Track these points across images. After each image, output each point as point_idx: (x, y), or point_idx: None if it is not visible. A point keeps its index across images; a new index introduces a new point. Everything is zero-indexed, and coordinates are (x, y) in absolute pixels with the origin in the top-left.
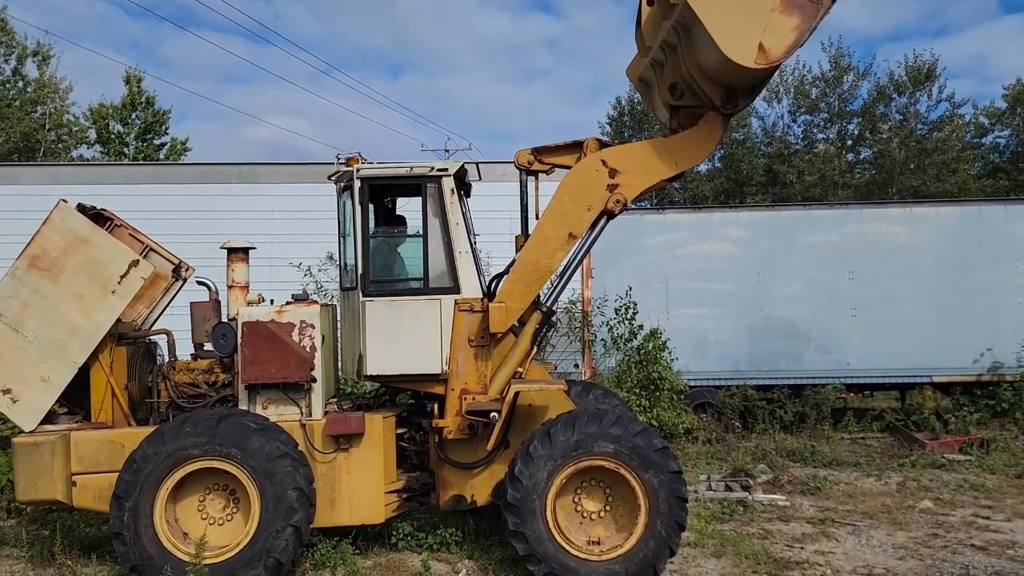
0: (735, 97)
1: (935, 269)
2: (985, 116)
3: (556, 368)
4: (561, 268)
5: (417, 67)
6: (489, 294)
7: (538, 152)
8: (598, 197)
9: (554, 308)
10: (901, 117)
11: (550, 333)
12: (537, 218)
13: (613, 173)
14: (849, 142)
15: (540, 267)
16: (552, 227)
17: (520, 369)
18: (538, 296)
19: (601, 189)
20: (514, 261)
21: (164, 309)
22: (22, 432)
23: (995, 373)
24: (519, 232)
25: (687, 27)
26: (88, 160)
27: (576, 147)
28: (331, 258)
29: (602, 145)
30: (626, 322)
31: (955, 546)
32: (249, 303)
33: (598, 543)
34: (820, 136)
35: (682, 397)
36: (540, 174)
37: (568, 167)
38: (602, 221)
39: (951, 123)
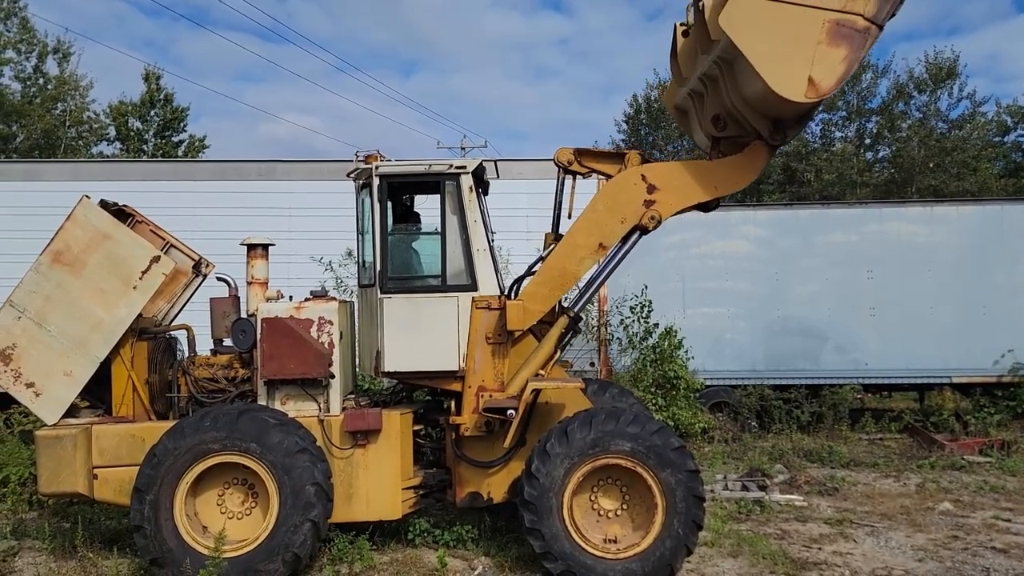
0: (783, 128)
1: (955, 269)
2: (1008, 114)
3: (572, 366)
4: (590, 276)
5: (428, 66)
6: (511, 294)
7: (580, 153)
8: (633, 211)
9: (581, 314)
10: (921, 115)
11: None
12: (570, 218)
13: (651, 189)
14: (868, 140)
15: (566, 273)
16: (583, 235)
17: (541, 371)
18: (563, 301)
19: (637, 203)
20: (538, 260)
21: (184, 305)
22: (45, 425)
23: (1016, 374)
24: (548, 230)
25: (729, 61)
26: (108, 157)
27: (618, 157)
28: (350, 254)
29: (644, 160)
30: (641, 320)
31: (975, 548)
32: (268, 299)
33: (615, 541)
34: (838, 134)
35: (698, 396)
36: (577, 176)
37: (606, 175)
38: (635, 236)
39: (972, 121)
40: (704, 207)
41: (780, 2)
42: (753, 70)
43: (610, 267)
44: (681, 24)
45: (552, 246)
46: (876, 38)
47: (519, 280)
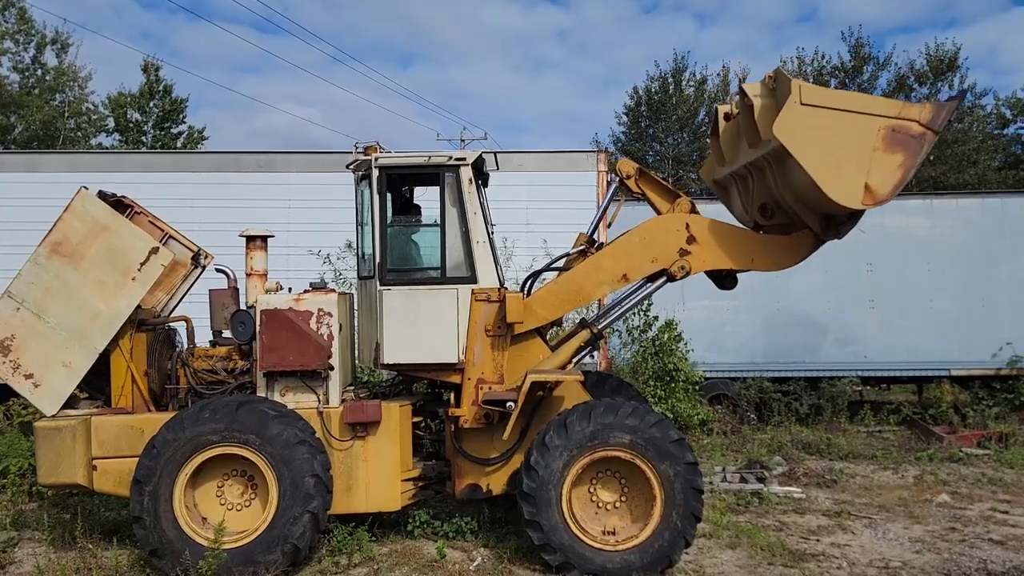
0: (835, 223)
1: (955, 261)
2: (1007, 107)
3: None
4: (615, 299)
5: (427, 58)
6: (527, 288)
7: (641, 173)
8: (666, 255)
9: (603, 332)
10: None
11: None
12: (608, 227)
13: (691, 240)
14: None
15: (582, 291)
16: (611, 260)
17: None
18: (586, 313)
19: (673, 249)
20: (562, 257)
21: (183, 296)
22: (44, 416)
23: (1015, 367)
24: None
25: (780, 158)
26: (107, 148)
27: (672, 195)
28: (350, 246)
29: (693, 209)
30: (641, 313)
31: (973, 540)
32: (267, 291)
33: (613, 533)
34: None
35: (697, 388)
36: (630, 192)
37: (653, 206)
38: (661, 280)
39: (971, 114)
40: (721, 281)
41: (835, 110)
42: (808, 175)
43: (634, 302)
44: (723, 106)
45: (579, 249)
46: (932, 144)
47: (536, 274)
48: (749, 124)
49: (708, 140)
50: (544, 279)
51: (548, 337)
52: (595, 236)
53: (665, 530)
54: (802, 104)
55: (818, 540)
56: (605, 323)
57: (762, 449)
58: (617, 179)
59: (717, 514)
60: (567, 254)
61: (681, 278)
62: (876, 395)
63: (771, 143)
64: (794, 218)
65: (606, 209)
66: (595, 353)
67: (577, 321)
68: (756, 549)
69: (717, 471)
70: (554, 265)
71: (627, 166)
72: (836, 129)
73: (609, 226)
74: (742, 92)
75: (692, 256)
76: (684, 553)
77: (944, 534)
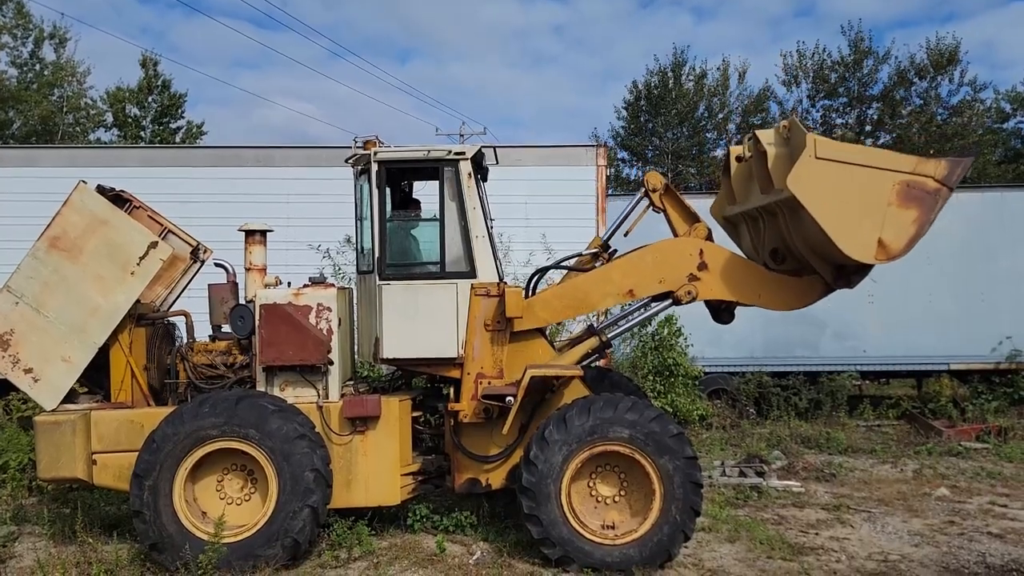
0: (846, 273)
1: (954, 256)
2: (1007, 101)
3: None
4: (625, 310)
5: (425, 53)
6: (532, 285)
7: (667, 189)
8: (675, 278)
9: (611, 342)
10: (921, 101)
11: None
12: (626, 236)
13: (702, 267)
14: (868, 127)
15: (587, 300)
16: (620, 273)
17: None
18: (596, 322)
19: (682, 273)
20: (574, 256)
21: (182, 291)
22: (43, 411)
23: (1014, 361)
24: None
25: (792, 208)
26: (106, 143)
27: (692, 219)
28: (349, 241)
29: (709, 237)
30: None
31: (971, 533)
32: (267, 285)
33: (612, 527)
34: (839, 121)
35: (697, 383)
36: (652, 205)
37: (671, 224)
38: (666, 302)
39: (972, 108)
40: (718, 314)
41: (850, 164)
42: (821, 229)
43: (641, 319)
44: (735, 147)
45: (592, 251)
46: (946, 200)
47: (543, 271)
48: (762, 171)
49: (720, 177)
50: (549, 280)
51: (549, 336)
52: (609, 244)
53: (664, 524)
54: (817, 158)
55: (817, 534)
56: (614, 333)
57: (761, 443)
58: (643, 190)
59: (716, 508)
60: (579, 254)
61: (686, 303)
62: (875, 390)
63: (784, 192)
64: (805, 265)
65: (626, 218)
66: None
67: (585, 326)
68: (755, 543)
69: (716, 465)
70: (564, 264)
71: (656, 179)
72: (851, 183)
73: (626, 235)
74: (755, 138)
75: (700, 283)
76: (683, 547)
77: (943, 527)
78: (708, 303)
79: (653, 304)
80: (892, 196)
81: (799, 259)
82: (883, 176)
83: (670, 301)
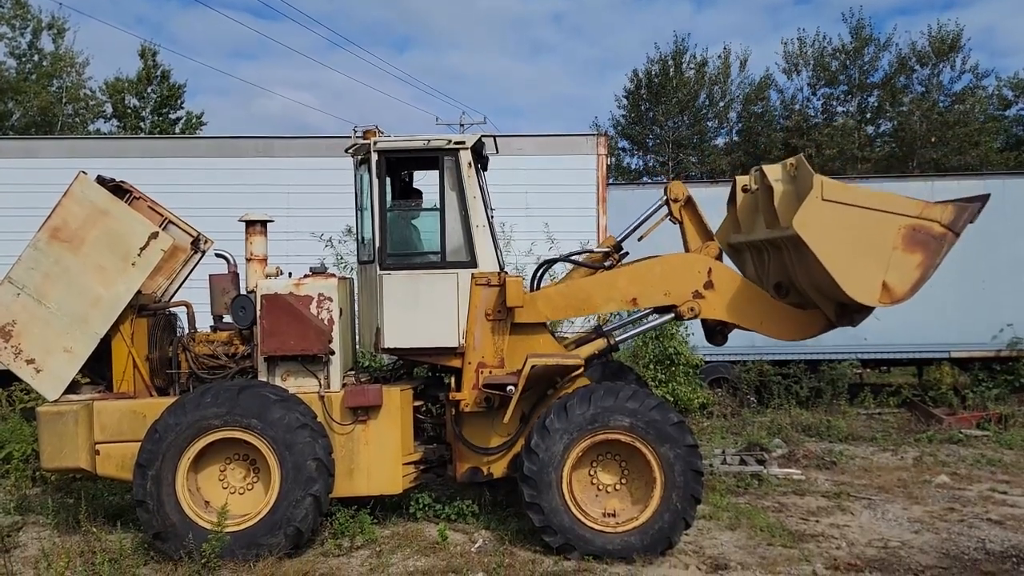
0: (849, 311)
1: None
2: (1009, 88)
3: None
4: (633, 318)
5: (423, 42)
6: (536, 278)
7: (687, 201)
8: (680, 292)
9: (619, 345)
10: (923, 89)
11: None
12: (640, 240)
13: (708, 285)
14: (869, 115)
15: (590, 302)
16: (626, 281)
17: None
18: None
19: (688, 288)
20: (583, 252)
21: (183, 281)
22: (46, 402)
23: (1015, 349)
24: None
25: (798, 246)
26: (105, 134)
27: (706, 235)
28: (349, 231)
29: (719, 256)
30: None
31: (971, 520)
32: (268, 276)
33: (613, 515)
34: (840, 109)
35: (698, 372)
36: (671, 215)
37: (684, 237)
38: (668, 315)
39: (973, 95)
40: (712, 334)
41: (856, 207)
42: (825, 270)
43: (649, 326)
44: (741, 177)
45: (604, 249)
46: (952, 245)
47: (550, 263)
48: (768, 206)
49: (726, 206)
50: (553, 275)
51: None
52: (621, 245)
53: (665, 512)
54: (823, 200)
55: (817, 521)
56: (623, 337)
57: (762, 432)
58: (664, 198)
59: (717, 496)
60: (590, 250)
61: (688, 319)
62: (876, 377)
63: (789, 230)
64: (808, 300)
65: (644, 222)
66: None
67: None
68: (756, 530)
69: (717, 453)
70: (572, 257)
71: (679, 190)
72: (856, 226)
73: (640, 239)
74: (762, 173)
75: (705, 301)
76: (684, 534)
77: (943, 514)
78: (704, 322)
79: (653, 316)
80: (898, 240)
81: (803, 294)
82: (889, 219)
83: (672, 315)
